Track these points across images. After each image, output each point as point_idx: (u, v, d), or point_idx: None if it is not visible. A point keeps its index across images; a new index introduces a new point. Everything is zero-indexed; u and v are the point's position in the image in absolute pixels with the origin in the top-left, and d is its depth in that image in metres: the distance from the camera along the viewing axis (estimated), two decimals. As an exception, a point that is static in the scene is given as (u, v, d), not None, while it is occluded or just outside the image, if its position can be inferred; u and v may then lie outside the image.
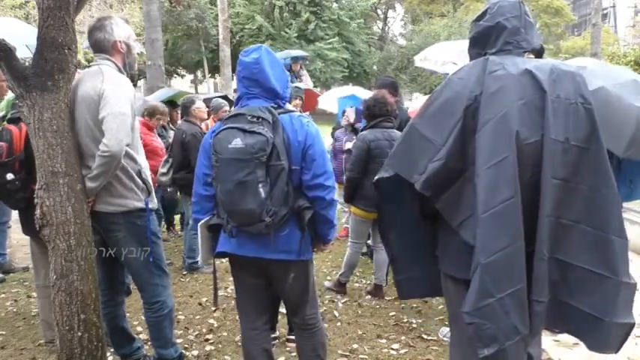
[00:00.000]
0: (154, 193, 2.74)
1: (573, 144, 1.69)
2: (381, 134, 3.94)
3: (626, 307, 1.71)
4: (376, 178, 1.97)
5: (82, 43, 7.22)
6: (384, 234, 2.18)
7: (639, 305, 3.72)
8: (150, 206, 2.66)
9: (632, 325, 1.70)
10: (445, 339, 3.44)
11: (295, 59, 8.64)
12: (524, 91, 1.70)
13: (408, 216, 2.07)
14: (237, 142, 2.00)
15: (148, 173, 2.69)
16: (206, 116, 5.19)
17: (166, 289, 2.77)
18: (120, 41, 2.59)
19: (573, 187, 1.70)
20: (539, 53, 1.89)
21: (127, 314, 2.89)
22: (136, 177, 2.58)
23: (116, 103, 2.41)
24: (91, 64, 2.64)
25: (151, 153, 4.40)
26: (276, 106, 2.18)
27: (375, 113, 4.01)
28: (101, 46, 2.58)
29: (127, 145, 2.48)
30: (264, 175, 2.02)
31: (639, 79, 2.50)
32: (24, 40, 3.93)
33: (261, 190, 2.01)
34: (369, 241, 4.88)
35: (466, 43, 2.00)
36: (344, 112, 5.60)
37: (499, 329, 1.64)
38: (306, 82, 8.46)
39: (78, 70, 2.53)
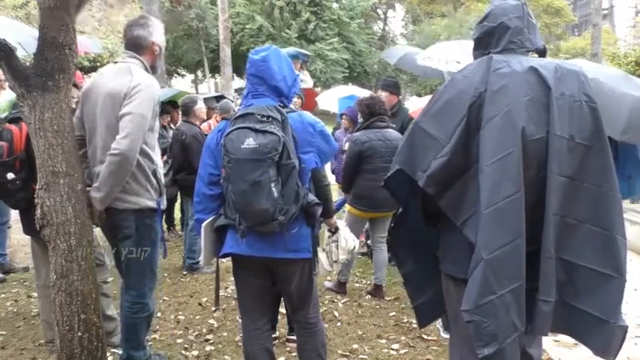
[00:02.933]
0: (165, 194, 2.74)
1: (578, 142, 1.69)
2: (374, 135, 3.96)
3: (621, 309, 1.72)
4: (385, 178, 1.98)
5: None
6: (395, 252, 2.17)
7: (639, 305, 3.71)
8: (161, 207, 2.67)
9: (627, 329, 1.71)
10: (441, 329, 3.45)
11: (295, 57, 8.60)
12: (529, 88, 1.70)
13: (416, 226, 2.05)
14: (250, 142, 2.00)
15: (162, 173, 2.69)
16: (205, 117, 5.19)
17: (152, 292, 2.76)
18: (156, 43, 2.65)
19: (579, 186, 1.70)
20: (542, 53, 1.89)
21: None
22: (151, 176, 2.59)
23: (140, 104, 2.43)
24: (117, 60, 2.67)
25: None
26: (282, 105, 2.19)
27: (373, 111, 4.04)
28: (137, 42, 2.60)
29: (145, 144, 2.50)
30: (275, 175, 2.02)
31: (629, 75, 2.60)
32: (17, 38, 3.92)
33: (273, 189, 2.01)
34: (369, 241, 4.88)
35: (469, 43, 2.00)
36: (342, 114, 5.62)
37: (499, 327, 1.64)
38: (307, 82, 8.42)
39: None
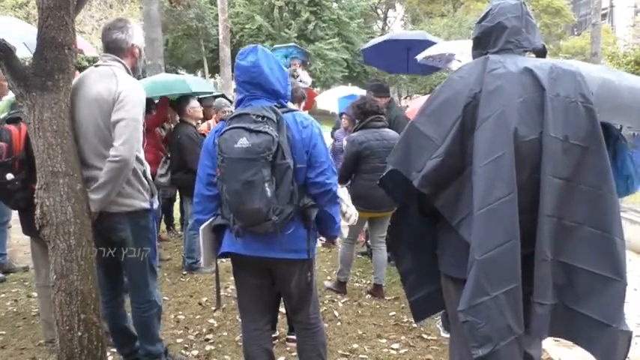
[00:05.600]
0: (156, 195, 2.75)
1: (573, 142, 1.68)
2: (371, 135, 3.97)
3: (623, 313, 1.70)
4: (380, 178, 1.98)
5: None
6: (394, 251, 2.18)
7: (639, 305, 3.71)
8: (154, 207, 2.69)
9: (631, 334, 1.70)
10: (441, 329, 3.44)
11: (294, 57, 8.54)
12: (523, 89, 1.70)
13: (415, 225, 2.05)
14: (244, 142, 2.00)
15: (149, 174, 2.70)
16: (201, 115, 5.19)
17: (156, 289, 2.80)
18: (136, 45, 2.64)
19: (575, 187, 1.70)
20: (540, 53, 1.89)
21: (128, 313, 2.90)
22: (142, 177, 2.61)
23: (131, 108, 2.45)
24: (98, 63, 2.63)
25: None
26: (279, 105, 2.18)
27: (367, 110, 4.05)
28: (117, 46, 2.60)
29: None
30: (269, 174, 2.02)
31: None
32: (23, 39, 3.92)
33: (267, 189, 2.01)
34: (369, 241, 4.88)
35: (467, 42, 2.01)
36: (341, 114, 5.63)
37: (493, 328, 1.64)
38: (306, 81, 8.35)
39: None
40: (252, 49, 2.20)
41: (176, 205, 6.20)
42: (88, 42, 7.98)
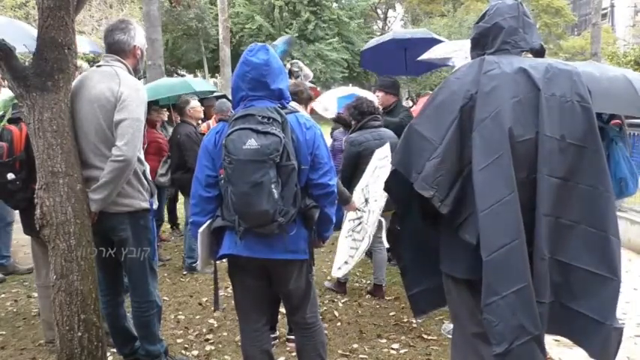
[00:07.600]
0: (155, 195, 2.76)
1: (569, 142, 1.69)
2: (370, 135, 3.97)
3: (616, 310, 1.72)
4: (385, 179, 1.99)
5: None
6: (395, 245, 2.19)
7: (639, 305, 3.71)
8: (153, 207, 2.70)
9: (622, 331, 1.71)
10: (448, 335, 3.44)
11: (287, 46, 8.21)
12: (518, 89, 1.71)
13: (417, 225, 2.06)
14: (252, 143, 1.99)
15: (149, 174, 2.71)
16: (202, 115, 5.19)
17: (156, 289, 2.80)
18: (138, 47, 2.65)
19: (573, 187, 1.70)
20: (538, 53, 1.89)
21: (127, 314, 2.90)
22: (142, 177, 2.61)
23: (134, 108, 2.45)
24: (100, 63, 2.63)
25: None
26: (281, 106, 2.18)
27: (364, 111, 4.04)
28: (119, 47, 2.60)
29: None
30: (276, 176, 2.01)
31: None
32: (23, 40, 3.93)
33: (274, 190, 2.00)
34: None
35: (467, 42, 2.02)
36: (338, 114, 5.63)
37: (507, 328, 1.65)
38: (308, 74, 8.04)
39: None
40: (261, 47, 2.19)
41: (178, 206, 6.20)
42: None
